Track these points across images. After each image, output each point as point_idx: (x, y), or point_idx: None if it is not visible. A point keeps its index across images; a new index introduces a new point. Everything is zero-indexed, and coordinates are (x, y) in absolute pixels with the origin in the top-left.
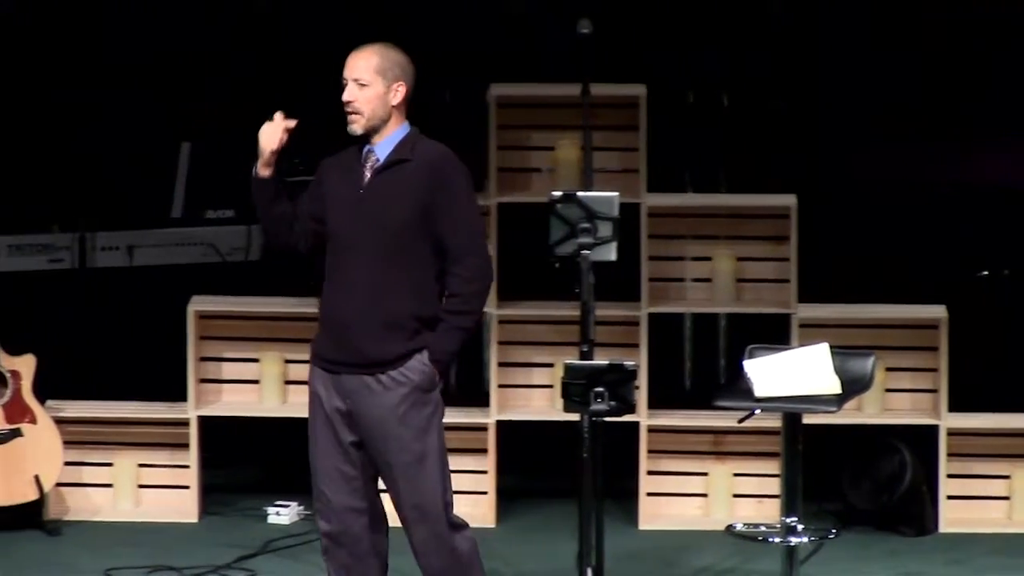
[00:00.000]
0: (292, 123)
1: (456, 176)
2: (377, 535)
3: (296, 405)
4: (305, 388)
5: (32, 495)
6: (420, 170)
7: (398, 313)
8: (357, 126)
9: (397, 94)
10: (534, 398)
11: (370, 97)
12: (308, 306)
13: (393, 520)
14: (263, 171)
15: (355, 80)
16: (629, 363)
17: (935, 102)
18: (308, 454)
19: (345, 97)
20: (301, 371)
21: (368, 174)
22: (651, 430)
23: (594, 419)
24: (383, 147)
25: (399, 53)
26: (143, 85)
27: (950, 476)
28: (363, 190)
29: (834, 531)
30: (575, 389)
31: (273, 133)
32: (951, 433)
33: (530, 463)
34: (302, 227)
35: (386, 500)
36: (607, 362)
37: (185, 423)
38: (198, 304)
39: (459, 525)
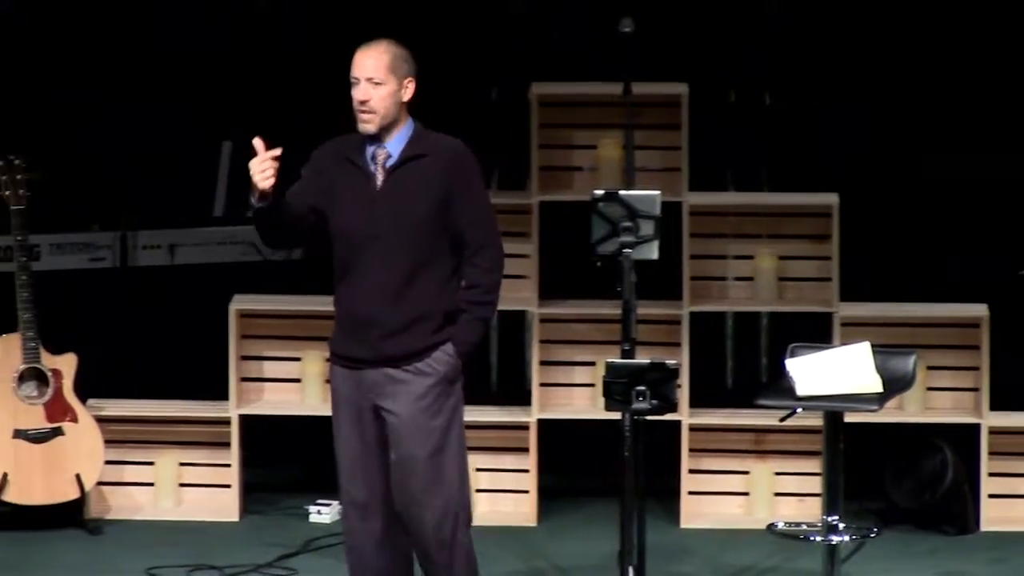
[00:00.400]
0: (277, 152)
1: (473, 168)
2: (400, 533)
3: None
4: None
5: (73, 494)
6: (437, 164)
7: (423, 308)
8: (372, 125)
9: (407, 90)
10: (575, 397)
11: (384, 95)
12: None
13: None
14: (260, 203)
15: (368, 79)
16: (671, 362)
17: (979, 102)
18: (336, 457)
19: (360, 96)
20: None
21: (381, 172)
22: (693, 429)
23: (636, 418)
24: (395, 144)
25: (405, 49)
26: (185, 83)
27: (991, 475)
28: (380, 188)
29: (875, 530)
30: (617, 388)
31: (264, 168)
32: (993, 432)
33: (572, 462)
34: (306, 225)
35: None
36: (649, 361)
37: (226, 422)
38: (240, 303)
39: (467, 526)
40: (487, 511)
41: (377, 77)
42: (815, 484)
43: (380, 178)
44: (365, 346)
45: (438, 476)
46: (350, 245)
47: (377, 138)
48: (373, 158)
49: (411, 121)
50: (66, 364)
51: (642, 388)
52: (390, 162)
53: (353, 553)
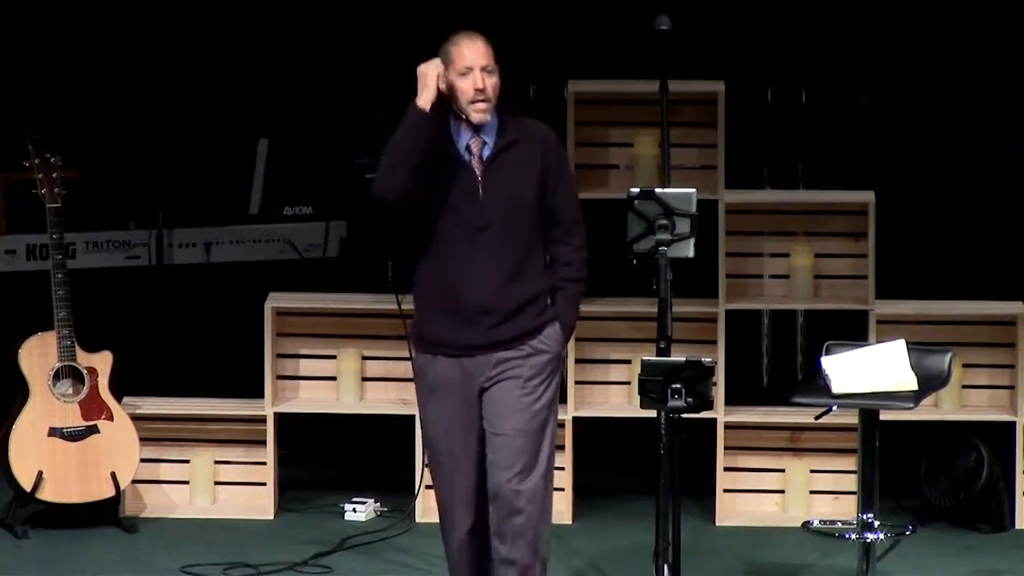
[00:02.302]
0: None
1: (561, 149)
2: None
3: (373, 402)
4: (383, 384)
5: (109, 492)
6: (531, 148)
7: (532, 290)
8: (487, 114)
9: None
10: (611, 394)
11: (495, 83)
12: (385, 302)
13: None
14: (427, 105)
15: (483, 67)
16: (707, 359)
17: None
18: (427, 442)
19: (479, 84)
20: (378, 367)
21: (478, 161)
22: (728, 427)
23: (671, 415)
24: (489, 132)
25: None
26: (221, 81)
27: None
28: (481, 178)
29: (911, 527)
30: (652, 385)
31: (435, 67)
32: None
33: (607, 459)
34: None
35: None
36: (684, 359)
37: (262, 420)
38: (275, 301)
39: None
40: None
41: (490, 65)
42: (850, 482)
43: (478, 168)
44: (477, 333)
45: (538, 450)
46: (454, 236)
47: (472, 127)
48: (468, 148)
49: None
50: (102, 362)
51: (678, 386)
52: (486, 151)
53: (451, 536)
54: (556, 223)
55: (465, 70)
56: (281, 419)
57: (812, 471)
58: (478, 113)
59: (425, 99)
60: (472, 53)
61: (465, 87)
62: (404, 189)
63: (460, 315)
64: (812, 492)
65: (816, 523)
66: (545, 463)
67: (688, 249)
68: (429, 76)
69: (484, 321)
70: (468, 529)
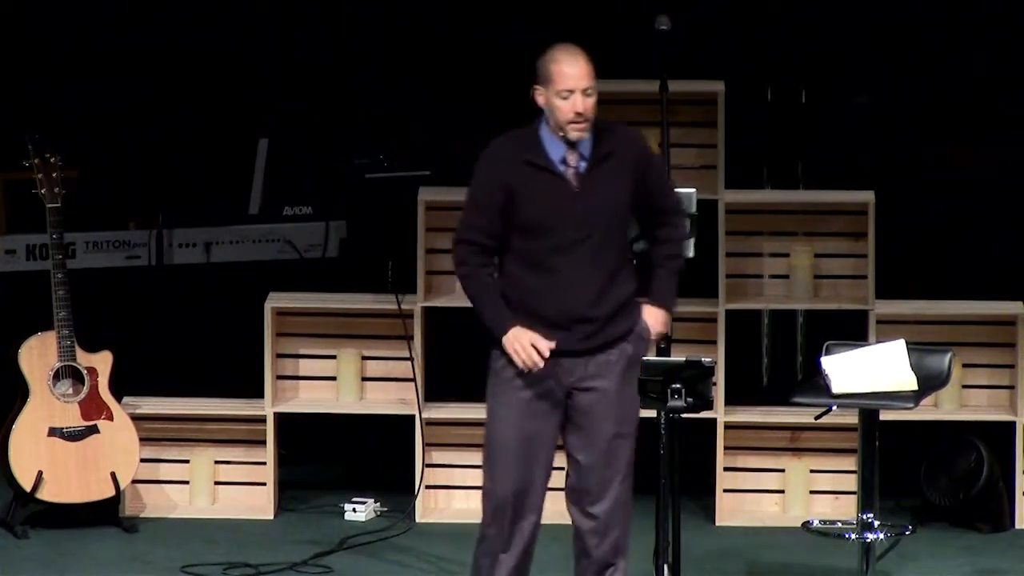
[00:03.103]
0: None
1: (647, 146)
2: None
3: (373, 402)
4: (383, 384)
5: (108, 492)
6: (625, 157)
7: (624, 296)
8: (586, 133)
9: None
10: None
11: (594, 103)
12: (385, 302)
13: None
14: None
15: (583, 90)
16: (707, 359)
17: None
18: (493, 438)
19: (579, 108)
20: (378, 367)
21: (572, 173)
22: (728, 426)
23: (671, 415)
24: (584, 144)
25: None
26: (220, 80)
27: None
28: (577, 190)
29: (910, 527)
30: (653, 385)
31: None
32: None
33: None
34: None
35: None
36: (684, 358)
37: (262, 420)
38: (275, 301)
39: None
40: None
41: (590, 86)
42: (850, 482)
43: (573, 180)
44: (569, 339)
45: (626, 453)
46: (552, 247)
47: (567, 140)
48: (564, 161)
49: None
50: (101, 362)
51: (678, 386)
52: (582, 164)
53: (500, 527)
54: (658, 213)
55: (565, 93)
56: (281, 419)
57: (812, 471)
58: (576, 133)
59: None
60: (574, 74)
61: (564, 108)
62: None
63: (554, 323)
64: (812, 492)
65: (816, 523)
66: (630, 466)
67: (688, 249)
68: (524, 352)
69: (579, 329)
70: (522, 524)
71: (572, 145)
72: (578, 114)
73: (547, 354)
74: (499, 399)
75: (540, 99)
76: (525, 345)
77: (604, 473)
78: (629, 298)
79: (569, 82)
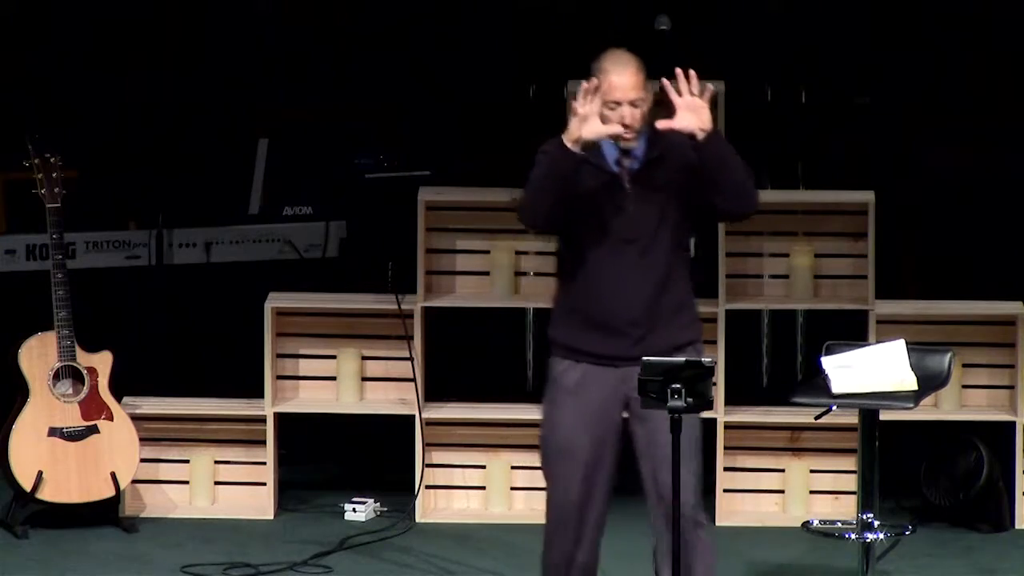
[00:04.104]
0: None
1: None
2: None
3: (373, 402)
4: (383, 384)
5: (108, 492)
6: (677, 160)
7: (677, 301)
8: (633, 142)
9: (651, 96)
10: None
11: (643, 113)
12: (385, 302)
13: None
14: (575, 145)
15: (630, 102)
16: (707, 359)
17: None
18: (550, 444)
19: (626, 121)
20: (378, 367)
21: (626, 174)
22: (728, 426)
23: (672, 415)
24: (638, 148)
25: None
26: (221, 81)
27: None
28: (629, 192)
29: (910, 527)
30: (652, 385)
31: (596, 121)
32: None
33: None
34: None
35: None
36: (684, 359)
37: (262, 420)
38: (275, 301)
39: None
40: (523, 508)
41: (639, 97)
42: (850, 482)
43: (627, 182)
44: (625, 345)
45: (691, 459)
46: (602, 249)
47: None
48: (617, 162)
49: None
50: (101, 362)
51: (677, 386)
52: (635, 165)
53: (558, 550)
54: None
55: (613, 104)
56: (281, 419)
57: (812, 471)
58: (624, 142)
59: (574, 138)
60: (621, 86)
61: (612, 119)
62: (552, 218)
63: (607, 326)
64: (812, 492)
65: (816, 523)
66: (699, 468)
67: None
68: (585, 120)
69: (632, 332)
70: (585, 529)
71: (627, 150)
72: (625, 126)
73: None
74: (556, 405)
75: (591, 109)
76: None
77: (663, 482)
78: (684, 305)
79: (616, 94)
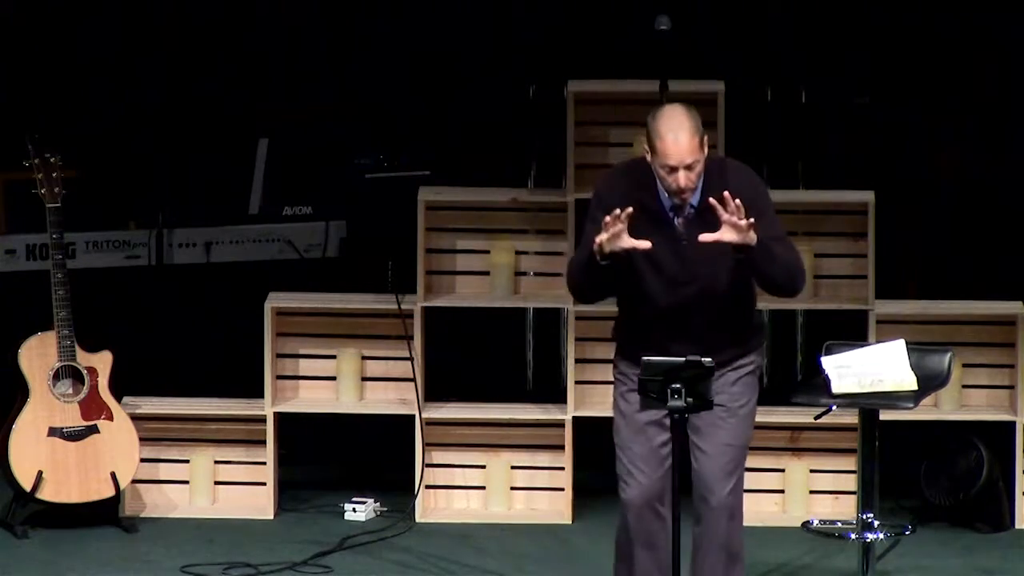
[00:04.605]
0: (629, 211)
1: (761, 186)
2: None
3: (373, 402)
4: (383, 384)
5: (108, 492)
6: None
7: (736, 335)
8: (690, 197)
9: (707, 146)
10: (611, 394)
11: (699, 171)
12: (385, 302)
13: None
14: (606, 260)
15: (687, 166)
16: (707, 360)
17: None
18: (622, 448)
19: (682, 184)
20: (378, 367)
21: (681, 219)
22: None
23: (672, 415)
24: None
25: (692, 107)
26: (221, 80)
27: None
28: (683, 234)
29: (910, 527)
30: (653, 386)
31: (619, 231)
32: None
33: (607, 459)
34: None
35: None
36: (685, 358)
37: (262, 419)
38: (275, 300)
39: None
40: (523, 509)
41: (695, 160)
42: (850, 482)
43: (681, 226)
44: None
45: (738, 465)
46: (657, 288)
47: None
48: (673, 207)
49: None
50: (101, 362)
51: (678, 386)
52: (690, 211)
53: (647, 545)
54: None
55: (667, 168)
56: (281, 419)
57: (812, 471)
58: (677, 200)
59: (603, 252)
60: (675, 153)
61: (667, 180)
62: (603, 294)
63: (666, 351)
64: (812, 492)
65: (816, 523)
66: (742, 473)
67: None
68: (616, 237)
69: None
70: (655, 526)
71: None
72: (680, 189)
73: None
74: (619, 405)
75: (648, 157)
76: (603, 233)
77: (719, 477)
78: (743, 337)
79: (671, 160)
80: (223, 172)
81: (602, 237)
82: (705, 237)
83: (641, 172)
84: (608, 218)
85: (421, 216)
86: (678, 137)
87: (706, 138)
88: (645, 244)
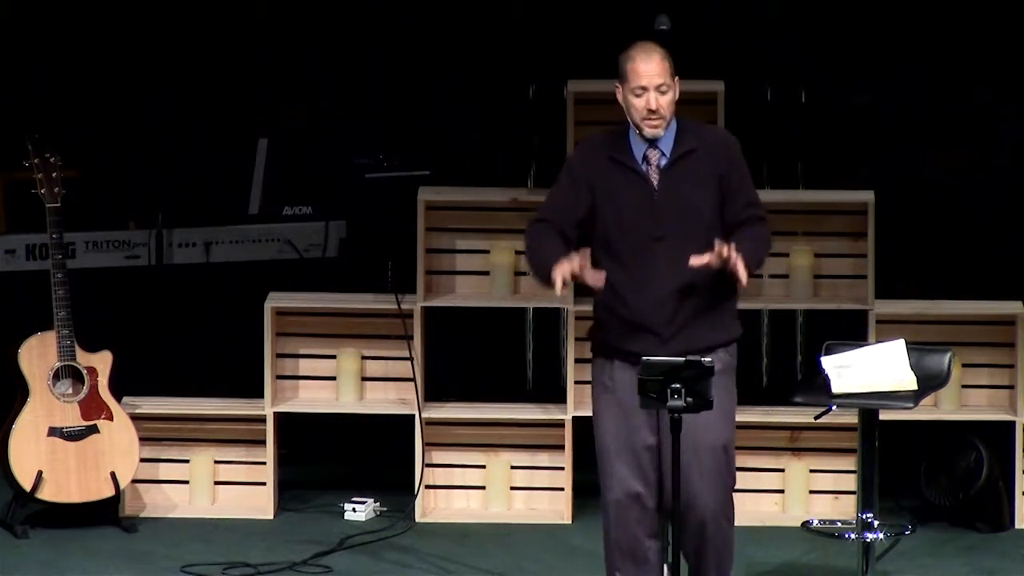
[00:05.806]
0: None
1: (738, 152)
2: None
3: (373, 402)
4: (383, 384)
5: (108, 492)
6: (709, 156)
7: (712, 301)
8: (660, 130)
9: (678, 89)
10: None
11: (670, 100)
12: (385, 302)
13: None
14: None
15: (656, 87)
16: (707, 359)
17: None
18: (599, 442)
19: (652, 106)
20: (378, 367)
21: (655, 171)
22: None
23: (672, 415)
24: (666, 142)
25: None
26: (221, 80)
27: None
28: (657, 188)
29: (910, 527)
30: (652, 385)
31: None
32: None
33: None
34: (573, 246)
35: None
36: (685, 358)
37: (262, 419)
38: (275, 300)
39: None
40: (522, 508)
41: (665, 83)
42: (850, 482)
43: (655, 178)
44: (653, 344)
45: (723, 465)
46: (630, 246)
47: (648, 138)
48: (645, 159)
49: (674, 116)
50: (101, 362)
51: (677, 386)
52: (663, 161)
53: (625, 536)
54: (739, 225)
55: (639, 90)
56: (281, 419)
57: (811, 471)
58: (650, 129)
59: (551, 280)
60: (647, 71)
61: (638, 106)
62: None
63: (636, 324)
64: (812, 492)
65: (816, 523)
66: (732, 475)
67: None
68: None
69: (661, 331)
70: (633, 521)
71: (654, 143)
72: (651, 111)
73: (581, 275)
74: (599, 404)
75: (619, 96)
76: (563, 267)
77: (700, 483)
78: (719, 307)
79: (643, 79)
80: (223, 172)
81: (564, 269)
82: (696, 261)
83: (616, 134)
84: (567, 263)
85: (421, 216)
86: (649, 56)
87: (677, 78)
88: (600, 282)
